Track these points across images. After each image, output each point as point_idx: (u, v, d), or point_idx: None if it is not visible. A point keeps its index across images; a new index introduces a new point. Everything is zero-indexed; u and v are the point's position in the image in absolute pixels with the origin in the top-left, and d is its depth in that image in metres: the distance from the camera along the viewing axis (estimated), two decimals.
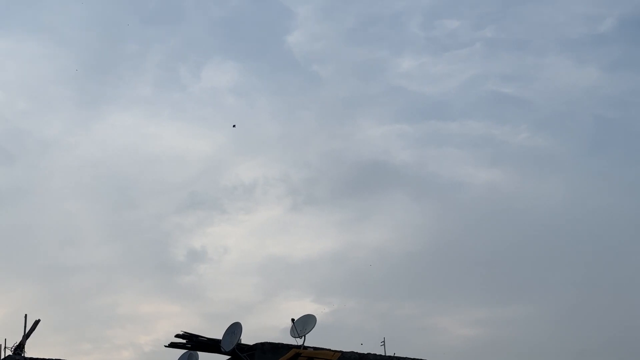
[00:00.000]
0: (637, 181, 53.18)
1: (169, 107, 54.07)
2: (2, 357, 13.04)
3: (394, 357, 20.63)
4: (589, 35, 56.89)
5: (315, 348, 17.23)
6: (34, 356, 13.11)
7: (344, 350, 19.02)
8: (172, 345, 18.88)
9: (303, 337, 17.14)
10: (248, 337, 18.81)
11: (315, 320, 17.32)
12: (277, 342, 19.07)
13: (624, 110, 55.70)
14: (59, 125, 52.16)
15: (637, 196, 52.26)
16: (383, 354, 20.52)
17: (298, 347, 16.83)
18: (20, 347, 13.11)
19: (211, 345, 18.80)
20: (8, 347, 13.10)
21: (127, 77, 53.61)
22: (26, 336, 13.32)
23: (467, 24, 57.80)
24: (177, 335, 18.94)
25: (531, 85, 56.39)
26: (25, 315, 13.44)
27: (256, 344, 19.01)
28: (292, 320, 17.31)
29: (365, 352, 20.19)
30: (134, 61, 53.39)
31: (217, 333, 18.35)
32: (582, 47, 57.14)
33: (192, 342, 18.89)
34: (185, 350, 17.98)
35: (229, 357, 18.82)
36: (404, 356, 20.82)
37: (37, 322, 13.48)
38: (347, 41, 56.78)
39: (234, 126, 41.97)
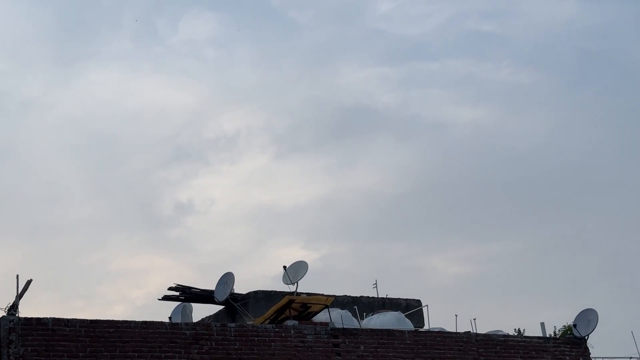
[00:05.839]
0: (621, 112, 53.35)
1: (148, 61, 53.63)
2: None
3: (386, 298, 20.79)
4: None
5: (308, 294, 17.33)
6: (28, 316, 13.11)
7: (337, 294, 19.15)
8: (166, 298, 18.97)
9: (295, 284, 17.23)
10: (241, 287, 18.94)
11: (307, 267, 17.39)
12: (269, 289, 19.18)
13: (606, 41, 55.59)
14: (38, 84, 51.69)
15: (621, 127, 52.47)
16: (376, 296, 20.67)
17: (291, 293, 16.93)
18: (13, 308, 13.10)
19: (205, 296, 18.89)
20: (1, 308, 13.09)
21: (105, 33, 53.00)
22: (19, 296, 13.30)
23: None
24: (171, 288, 19.01)
25: (511, 21, 56.15)
26: (17, 275, 13.41)
27: (249, 293, 19.11)
28: (284, 267, 17.38)
29: (358, 295, 20.34)
30: (111, 16, 52.72)
31: (210, 284, 18.47)
32: None
33: (185, 294, 18.97)
34: (179, 303, 18.06)
35: (223, 307, 18.92)
36: (397, 297, 20.99)
37: (29, 282, 13.45)
38: None
39: None
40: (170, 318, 16.89)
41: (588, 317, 18.57)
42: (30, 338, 13.02)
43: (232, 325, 15.07)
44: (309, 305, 16.38)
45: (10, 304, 13.17)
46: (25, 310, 13.28)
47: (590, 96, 54.95)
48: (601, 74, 55.79)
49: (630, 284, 45.26)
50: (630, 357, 19.07)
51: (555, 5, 55.54)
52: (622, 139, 51.82)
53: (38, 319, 13.21)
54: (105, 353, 13.49)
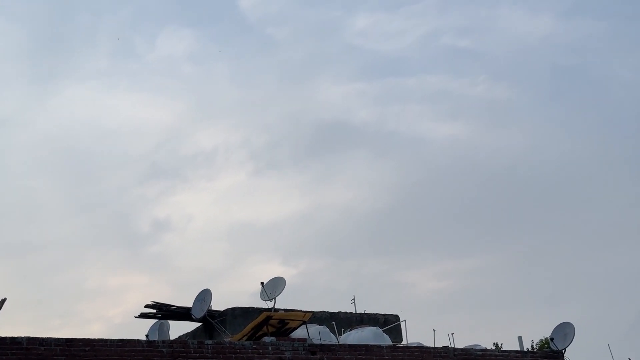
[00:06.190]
0: (595, 127, 53.82)
1: (125, 78, 53.49)
2: None
3: (364, 314, 20.77)
4: None
5: (286, 310, 17.28)
6: (2, 335, 12.97)
7: (315, 310, 19.11)
8: (143, 315, 18.83)
9: (273, 300, 17.18)
10: (218, 303, 18.85)
11: (285, 283, 17.36)
12: (247, 306, 19.11)
13: (580, 57, 56.13)
14: (13, 101, 51.35)
15: (595, 142, 52.91)
16: (353, 311, 20.64)
17: (269, 310, 16.87)
18: None
19: (182, 313, 18.78)
20: None
21: (81, 50, 52.82)
22: None
23: None
24: (147, 306, 18.88)
25: (486, 36, 56.58)
26: None
27: (227, 310, 19.03)
28: (262, 283, 17.34)
29: (336, 311, 20.31)
30: (87, 33, 52.58)
31: (187, 301, 18.36)
32: None
33: (162, 312, 18.85)
34: (156, 320, 17.93)
35: (200, 324, 18.82)
36: (375, 312, 20.97)
37: (3, 301, 13.32)
38: (300, 2, 56.41)
39: None
40: (147, 336, 16.75)
41: (565, 331, 18.64)
42: (4, 358, 12.86)
43: (210, 342, 14.98)
44: (286, 321, 16.33)
45: None
46: (1, 330, 13.15)
47: (565, 111, 55.44)
48: (576, 89, 56.34)
49: (606, 298, 45.52)
50: None
51: (530, 22, 56.08)
52: (597, 154, 52.28)
53: (12, 338, 13.06)
54: None
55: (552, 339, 18.76)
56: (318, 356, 15.61)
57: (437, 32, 57.09)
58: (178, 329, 19.64)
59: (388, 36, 56.25)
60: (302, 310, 17.81)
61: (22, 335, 13.15)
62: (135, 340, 14.14)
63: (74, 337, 13.58)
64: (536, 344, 33.53)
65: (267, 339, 15.63)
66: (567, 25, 56.76)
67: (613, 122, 54.22)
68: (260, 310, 17.65)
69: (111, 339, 13.83)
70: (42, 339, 13.27)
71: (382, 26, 56.42)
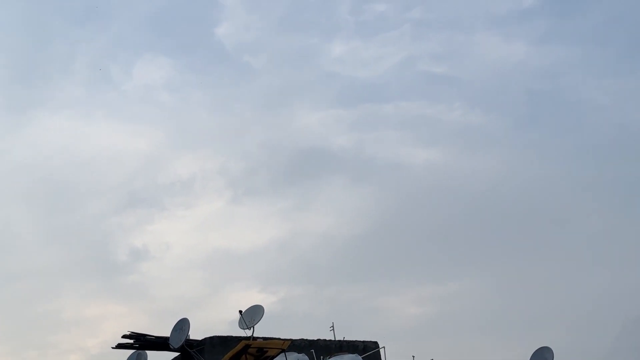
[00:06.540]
0: (570, 151, 54.28)
1: (102, 107, 53.41)
2: None
3: (343, 341, 20.70)
4: (515, 10, 57.93)
5: (264, 338, 17.19)
6: None
7: (294, 338, 19.02)
8: (120, 346, 18.67)
9: (252, 328, 17.08)
10: (196, 332, 18.72)
11: (263, 311, 17.27)
12: (225, 335, 18.99)
13: (554, 82, 56.73)
14: None
15: (570, 165, 53.34)
16: (333, 338, 20.57)
17: (247, 338, 16.77)
18: None
19: (159, 343, 18.63)
20: None
21: (57, 79, 52.71)
22: None
23: (395, 6, 58.36)
24: (124, 336, 18.73)
25: (462, 63, 57.11)
26: None
27: (205, 339, 18.90)
28: (240, 312, 17.24)
29: (315, 338, 20.23)
30: (63, 63, 52.48)
31: (165, 330, 18.22)
32: (509, 22, 58.15)
33: (140, 342, 18.69)
34: (134, 350, 17.78)
35: (178, 353, 18.67)
36: (354, 339, 20.91)
37: None
38: (277, 30, 56.74)
39: None
40: None
41: (544, 355, 18.67)
42: None
43: None
44: (265, 349, 16.23)
45: None
46: None
47: (540, 135, 55.92)
48: (550, 113, 56.87)
49: (585, 322, 45.65)
50: None
51: (504, 48, 56.71)
52: (572, 178, 52.67)
53: None
54: None
55: None
56: None
57: (413, 59, 57.61)
58: (156, 359, 19.47)
59: (365, 63, 56.68)
60: (281, 338, 17.72)
61: None
62: None
63: None
64: None
65: None
66: (541, 51, 57.45)
67: (587, 146, 54.75)
68: (238, 339, 17.53)
69: None
70: None
71: (358, 53, 56.84)
